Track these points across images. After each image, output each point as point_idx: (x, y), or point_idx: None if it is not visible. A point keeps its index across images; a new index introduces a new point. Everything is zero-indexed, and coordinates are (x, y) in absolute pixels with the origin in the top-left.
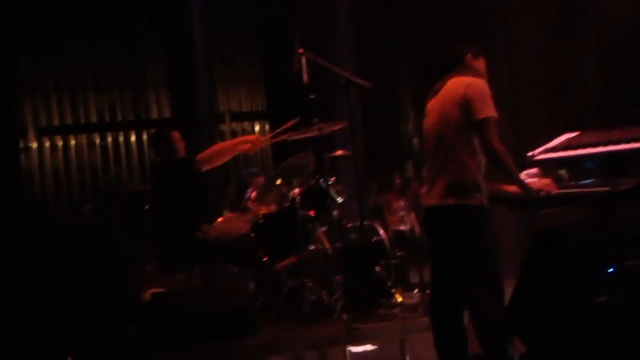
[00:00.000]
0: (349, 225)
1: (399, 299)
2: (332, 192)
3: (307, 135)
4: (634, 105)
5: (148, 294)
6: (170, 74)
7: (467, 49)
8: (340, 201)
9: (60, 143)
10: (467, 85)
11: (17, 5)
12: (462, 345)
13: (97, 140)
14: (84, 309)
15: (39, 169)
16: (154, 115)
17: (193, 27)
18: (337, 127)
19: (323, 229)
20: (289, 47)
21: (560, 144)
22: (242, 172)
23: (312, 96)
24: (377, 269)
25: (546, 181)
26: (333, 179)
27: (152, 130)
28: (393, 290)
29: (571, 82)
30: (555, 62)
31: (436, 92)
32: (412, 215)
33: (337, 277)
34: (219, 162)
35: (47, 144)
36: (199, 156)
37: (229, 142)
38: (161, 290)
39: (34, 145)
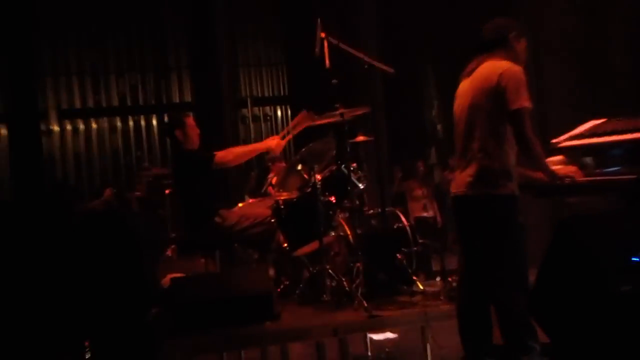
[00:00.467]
0: (371, 211)
1: (420, 287)
2: (354, 178)
3: (328, 120)
4: None
5: (168, 279)
6: (193, 57)
7: (510, 27)
8: (361, 187)
9: (82, 126)
10: (501, 72)
11: None
12: (486, 335)
13: (119, 124)
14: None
15: (60, 153)
16: (176, 99)
17: (216, 11)
18: (359, 113)
19: (344, 215)
20: (311, 32)
21: (585, 130)
22: (263, 158)
23: (334, 81)
24: (399, 256)
25: (572, 169)
26: (354, 165)
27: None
28: (414, 278)
29: (598, 68)
30: (582, 47)
31: (469, 74)
32: (435, 202)
33: (357, 264)
34: (235, 164)
35: (69, 127)
36: (218, 157)
37: (249, 147)
38: (181, 275)
39: (56, 128)
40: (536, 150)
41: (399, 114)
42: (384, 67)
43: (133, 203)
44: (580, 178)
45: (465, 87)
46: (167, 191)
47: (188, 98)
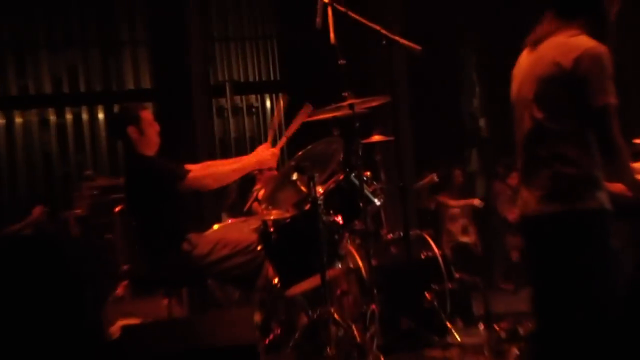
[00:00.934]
0: (390, 236)
1: (457, 337)
2: (367, 191)
3: (334, 114)
4: None
5: (117, 327)
6: (152, 29)
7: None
8: (377, 204)
9: (1, 121)
10: (580, 54)
11: None
12: None
13: (53, 118)
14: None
15: None
16: (130, 84)
17: None
18: (375, 104)
19: (355, 241)
20: None
21: None
22: None
23: (341, 61)
24: (428, 295)
25: None
26: (368, 173)
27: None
28: (449, 325)
29: None
30: None
31: (535, 44)
32: (474, 224)
33: (372, 307)
34: (213, 187)
35: None
36: (190, 176)
37: (235, 164)
38: (135, 321)
39: None
40: (623, 158)
41: (428, 106)
42: (409, 44)
43: (71, 225)
44: None
45: (528, 64)
46: (117, 209)
47: (146, 83)
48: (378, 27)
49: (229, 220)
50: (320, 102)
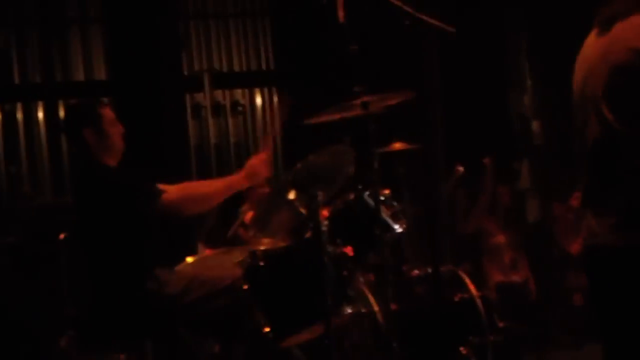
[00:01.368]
0: (415, 272)
1: None
2: (385, 215)
3: (343, 115)
4: None
5: None
6: (108, 4)
7: None
8: (398, 231)
9: None
10: None
11: None
12: None
13: None
14: None
15: None
16: (79, 75)
17: None
18: (396, 102)
19: (368, 278)
20: None
21: None
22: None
23: (352, 47)
24: (463, 350)
25: None
26: (387, 192)
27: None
28: None
29: None
30: None
31: (605, 27)
32: (526, 256)
33: None
34: (192, 212)
35: None
36: (166, 199)
37: (219, 183)
38: None
39: None
40: None
41: (465, 105)
42: (439, 25)
43: (2, 256)
44: None
45: (596, 51)
46: (61, 235)
47: (100, 74)
48: (399, 2)
49: (207, 252)
50: (326, 100)
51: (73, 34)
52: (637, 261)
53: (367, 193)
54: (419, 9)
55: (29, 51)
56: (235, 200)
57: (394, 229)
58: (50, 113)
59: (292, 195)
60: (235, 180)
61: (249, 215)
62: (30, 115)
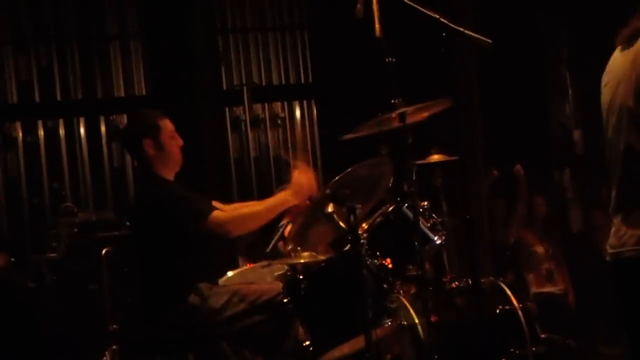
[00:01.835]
0: (455, 284)
1: None
2: (424, 226)
3: (380, 128)
4: None
5: None
6: (148, 20)
7: None
8: (437, 242)
9: None
10: None
11: None
12: None
13: (19, 134)
14: None
15: None
16: (119, 91)
17: None
18: (433, 113)
19: (408, 290)
20: None
21: None
22: (266, 189)
23: (389, 59)
24: None
25: None
26: (426, 203)
27: (115, 117)
28: None
29: None
30: None
31: (629, 41)
32: (566, 268)
33: None
34: (239, 233)
35: None
36: (213, 218)
37: (265, 204)
38: None
39: None
40: None
41: (505, 115)
42: (477, 36)
43: (44, 272)
44: None
45: (622, 67)
46: (104, 251)
47: (140, 89)
48: (436, 15)
49: (247, 265)
50: (364, 112)
51: (113, 49)
52: None
53: (405, 205)
54: (457, 20)
55: (70, 68)
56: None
57: (433, 241)
58: (92, 129)
59: (330, 209)
60: (282, 198)
61: (288, 229)
62: (72, 132)
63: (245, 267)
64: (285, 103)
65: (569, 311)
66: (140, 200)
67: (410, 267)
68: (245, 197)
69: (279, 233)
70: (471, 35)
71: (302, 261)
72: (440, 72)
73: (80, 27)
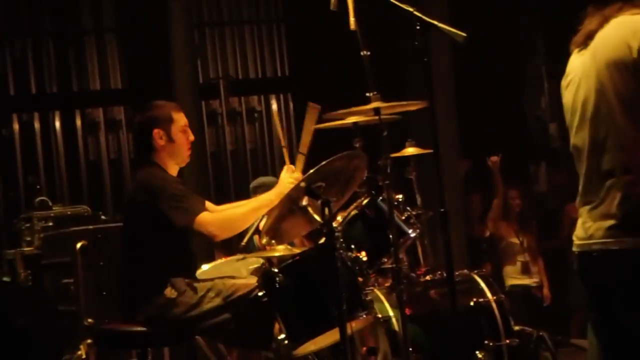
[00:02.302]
0: (429, 277)
1: None
2: (399, 219)
3: (355, 120)
4: None
5: None
6: (123, 14)
7: None
8: (412, 235)
9: None
10: None
11: None
12: None
13: None
14: None
15: None
16: (95, 84)
17: None
18: (408, 107)
19: (383, 283)
20: None
21: None
22: (243, 183)
23: (364, 52)
24: (479, 354)
25: None
26: (400, 196)
27: (91, 111)
28: None
29: None
30: None
31: (585, 42)
32: (541, 260)
33: None
34: (225, 236)
35: None
36: (200, 219)
37: (250, 205)
38: None
39: None
40: None
41: (480, 108)
42: (450, 29)
43: (18, 267)
44: None
45: (582, 65)
46: (79, 244)
47: (116, 83)
48: (410, 8)
49: (222, 259)
50: (338, 105)
51: (89, 43)
52: (627, 263)
53: (380, 198)
54: (432, 14)
55: (45, 61)
56: None
57: (407, 234)
58: (67, 122)
59: (305, 202)
60: (267, 198)
61: (263, 223)
62: (47, 125)
63: (220, 261)
64: (262, 96)
65: (543, 303)
66: (135, 185)
67: (385, 260)
68: (221, 190)
69: (253, 227)
70: (445, 29)
71: (277, 254)
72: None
73: (56, 20)
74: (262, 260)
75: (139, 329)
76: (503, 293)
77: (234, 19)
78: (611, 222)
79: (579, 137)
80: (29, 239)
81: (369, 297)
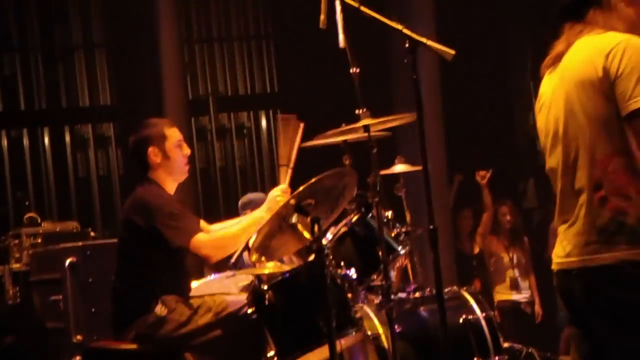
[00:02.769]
0: (418, 294)
1: None
2: (388, 236)
3: (345, 137)
4: None
5: None
6: (112, 30)
7: None
8: (402, 252)
9: None
10: (610, 49)
11: None
12: None
13: None
14: None
15: None
16: (84, 100)
17: None
18: (398, 124)
19: (372, 300)
20: None
21: None
22: (232, 199)
23: (353, 69)
24: None
25: None
26: (390, 213)
27: (80, 127)
28: None
29: None
30: None
31: (554, 63)
32: (534, 276)
33: None
34: (219, 258)
35: None
36: (196, 241)
37: (242, 223)
38: None
39: None
40: None
41: (469, 125)
42: (439, 47)
43: (7, 283)
44: None
45: (551, 87)
46: (68, 261)
47: (105, 99)
48: (399, 26)
49: (211, 276)
50: (328, 122)
51: (78, 59)
52: (605, 279)
53: (369, 215)
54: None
55: (34, 77)
56: None
57: (397, 251)
58: (56, 139)
59: (294, 219)
60: (258, 216)
61: (252, 240)
62: (36, 141)
63: (210, 278)
64: (252, 113)
65: (533, 320)
66: (132, 202)
67: (375, 277)
68: (210, 207)
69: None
70: (434, 47)
71: (266, 272)
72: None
73: (45, 36)
74: (251, 277)
75: (129, 346)
76: (492, 310)
77: (223, 36)
78: (587, 238)
79: (553, 159)
80: (17, 255)
81: (358, 314)
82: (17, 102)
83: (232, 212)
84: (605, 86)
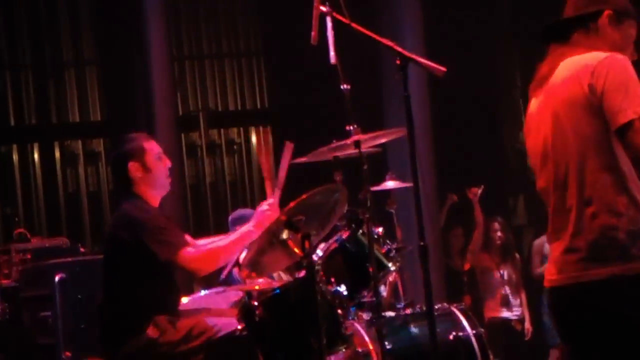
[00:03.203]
0: (409, 310)
1: None
2: (379, 252)
3: (335, 154)
4: None
5: None
6: (103, 46)
7: (606, 3)
8: (392, 269)
9: None
10: (595, 66)
11: None
12: None
13: None
14: None
15: None
16: (74, 116)
17: None
18: (387, 140)
19: (363, 317)
20: (304, 5)
21: None
22: (222, 215)
23: (344, 86)
24: None
25: None
26: (380, 229)
27: (70, 143)
28: None
29: None
30: None
31: (541, 83)
32: (524, 292)
33: None
34: (208, 272)
35: None
36: (184, 255)
37: (231, 238)
38: None
39: None
40: None
41: (458, 141)
42: (429, 64)
43: None
44: None
45: (540, 106)
46: (58, 277)
47: (95, 115)
48: (390, 43)
49: (201, 293)
50: (319, 138)
51: (68, 75)
52: (597, 295)
53: (360, 232)
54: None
55: (24, 93)
56: None
57: (387, 268)
58: (46, 154)
59: (285, 235)
60: (246, 230)
61: (243, 256)
62: (25, 157)
63: (200, 294)
64: (242, 129)
65: (523, 337)
66: (117, 218)
67: (365, 293)
68: (200, 223)
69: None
70: (425, 64)
71: (256, 288)
72: (395, 100)
73: (35, 53)
74: (242, 294)
75: None
76: (482, 326)
77: (213, 52)
78: (579, 255)
79: (543, 178)
80: (6, 271)
81: (348, 331)
82: (7, 117)
83: (222, 227)
84: (592, 103)
